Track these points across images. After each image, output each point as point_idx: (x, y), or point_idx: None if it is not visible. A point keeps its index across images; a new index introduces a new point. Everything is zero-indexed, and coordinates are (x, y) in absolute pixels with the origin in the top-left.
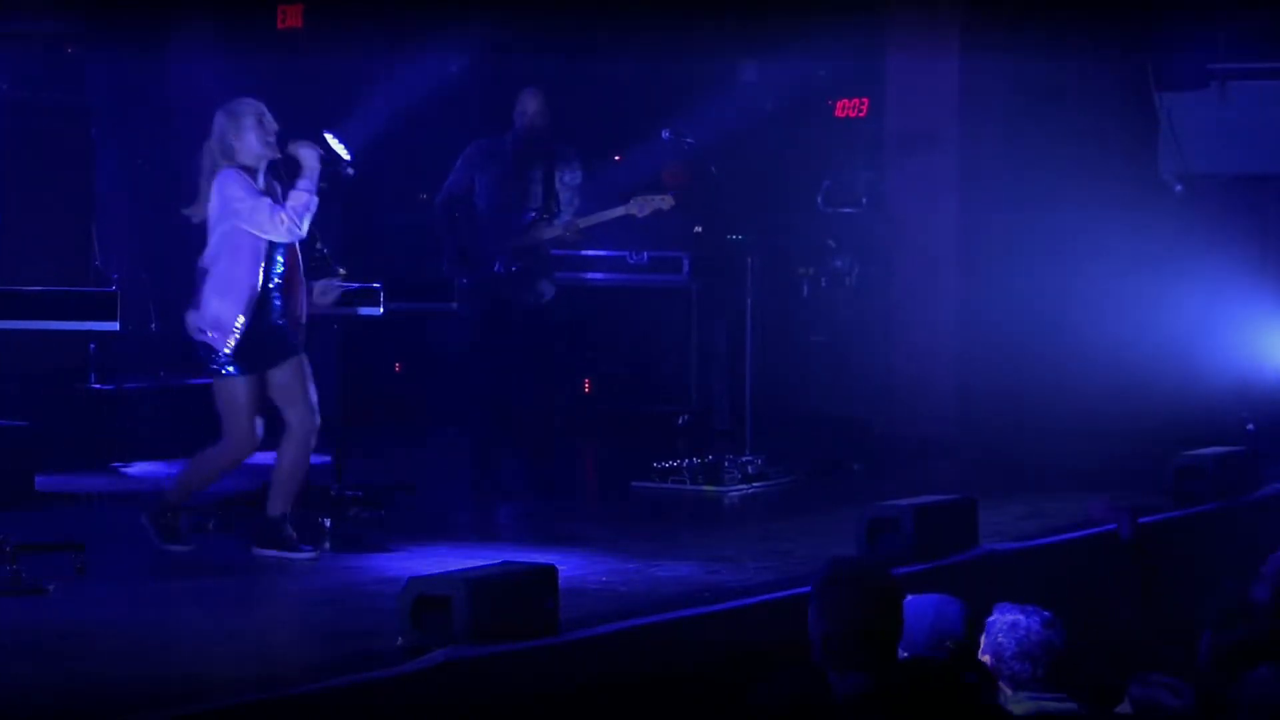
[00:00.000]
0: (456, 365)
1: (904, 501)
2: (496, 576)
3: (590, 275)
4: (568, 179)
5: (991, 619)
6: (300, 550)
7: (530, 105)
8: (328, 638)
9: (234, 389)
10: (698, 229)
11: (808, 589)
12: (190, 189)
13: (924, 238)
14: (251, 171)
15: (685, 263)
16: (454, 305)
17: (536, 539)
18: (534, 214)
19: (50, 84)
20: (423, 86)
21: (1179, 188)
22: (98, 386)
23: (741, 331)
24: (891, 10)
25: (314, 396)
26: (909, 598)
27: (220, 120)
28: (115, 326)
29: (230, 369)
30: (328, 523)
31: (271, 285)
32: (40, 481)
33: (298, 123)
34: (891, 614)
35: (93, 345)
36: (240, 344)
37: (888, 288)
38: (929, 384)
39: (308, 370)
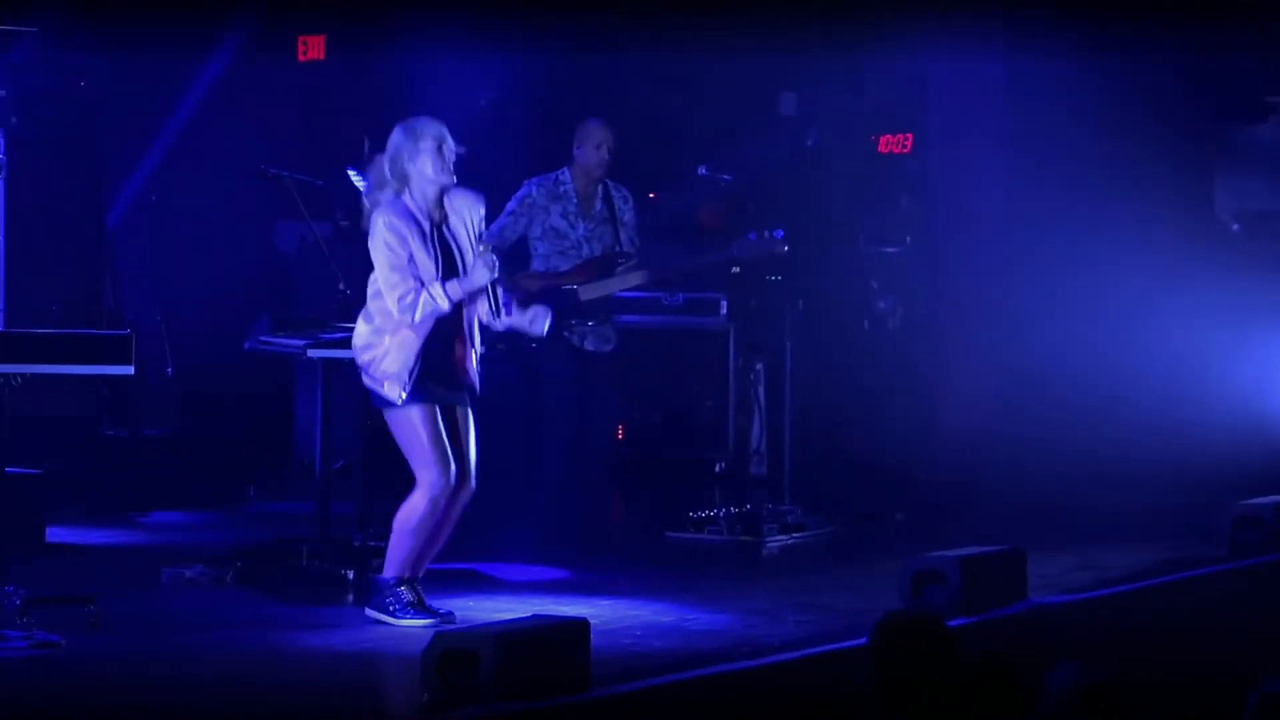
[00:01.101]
0: (496, 411)
1: (950, 553)
2: (526, 631)
3: (624, 317)
4: (627, 218)
5: (1051, 676)
6: (401, 616)
7: (605, 139)
8: (350, 694)
9: (409, 418)
10: (735, 269)
11: (849, 644)
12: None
13: (969, 278)
14: (420, 202)
15: (723, 304)
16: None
17: (567, 591)
18: (604, 257)
19: (62, 120)
20: (450, 120)
21: (1236, 226)
22: (112, 433)
23: (780, 375)
24: (933, 46)
25: (466, 456)
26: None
27: (397, 138)
28: (130, 370)
29: (403, 397)
30: (350, 575)
31: (445, 332)
32: (52, 532)
33: (320, 158)
34: (947, 665)
35: (106, 390)
36: (410, 391)
37: (932, 330)
38: (975, 429)
39: (465, 426)
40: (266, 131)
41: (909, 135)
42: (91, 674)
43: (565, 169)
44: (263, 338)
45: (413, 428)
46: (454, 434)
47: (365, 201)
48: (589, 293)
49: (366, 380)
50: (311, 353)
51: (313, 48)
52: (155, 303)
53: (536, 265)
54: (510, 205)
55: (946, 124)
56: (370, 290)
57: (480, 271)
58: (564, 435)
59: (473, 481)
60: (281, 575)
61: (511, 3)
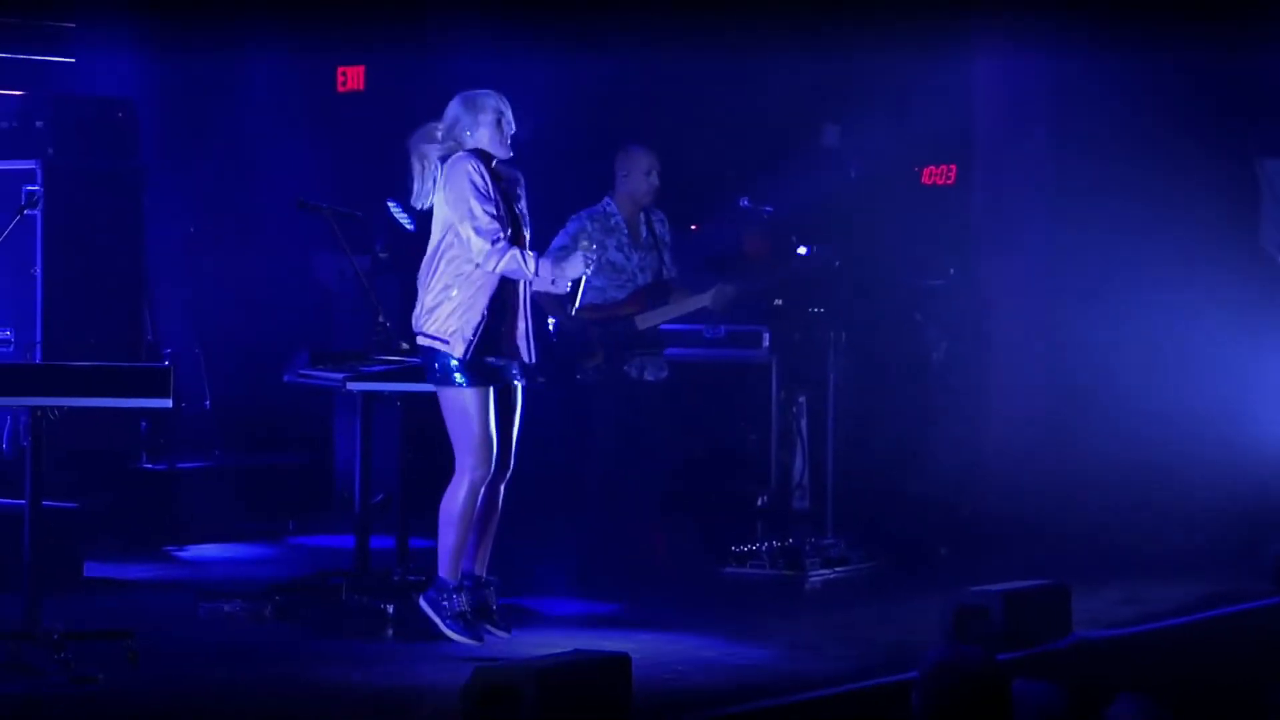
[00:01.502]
0: (536, 443)
1: (993, 587)
2: (567, 666)
3: (665, 350)
4: (667, 240)
5: (1110, 710)
6: (448, 625)
7: (653, 164)
8: None
9: (465, 401)
10: (778, 301)
11: (892, 679)
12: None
13: (1013, 310)
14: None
15: (765, 336)
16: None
17: (609, 625)
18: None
19: (99, 150)
20: None
21: None
22: (150, 466)
23: (823, 408)
24: (977, 77)
25: (509, 439)
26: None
27: (456, 108)
28: (168, 403)
29: (460, 378)
30: (390, 609)
31: (508, 296)
32: (89, 567)
33: (360, 190)
34: (997, 705)
35: (144, 423)
36: (473, 351)
37: (976, 362)
38: (1019, 463)
39: (514, 406)
40: (305, 163)
41: (953, 166)
42: (129, 709)
43: (609, 199)
44: (302, 370)
45: (466, 412)
46: (503, 413)
47: (415, 167)
48: (647, 321)
49: (426, 341)
50: (351, 385)
51: (352, 79)
52: (193, 335)
53: (593, 299)
54: (560, 240)
55: (990, 156)
56: (432, 254)
57: (576, 265)
58: (616, 468)
59: (512, 462)
60: (321, 610)
61: (551, 35)
